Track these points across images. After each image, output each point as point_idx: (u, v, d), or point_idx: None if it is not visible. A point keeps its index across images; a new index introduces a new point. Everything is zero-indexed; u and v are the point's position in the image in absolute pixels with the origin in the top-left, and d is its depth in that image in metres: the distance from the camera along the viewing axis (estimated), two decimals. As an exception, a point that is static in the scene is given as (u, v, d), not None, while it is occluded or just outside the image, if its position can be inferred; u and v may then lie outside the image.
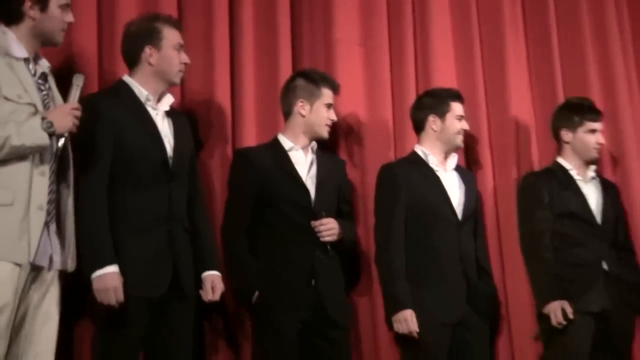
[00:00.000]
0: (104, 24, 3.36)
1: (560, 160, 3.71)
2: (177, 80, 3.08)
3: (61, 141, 2.60)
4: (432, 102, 3.58)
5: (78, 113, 2.62)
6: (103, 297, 2.77)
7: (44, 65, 2.75)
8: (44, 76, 2.73)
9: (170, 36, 3.02)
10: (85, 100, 2.75)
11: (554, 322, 3.41)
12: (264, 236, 3.26)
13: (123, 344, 2.84)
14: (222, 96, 3.53)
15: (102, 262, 2.77)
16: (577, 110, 3.72)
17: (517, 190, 3.74)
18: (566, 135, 3.71)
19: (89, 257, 2.78)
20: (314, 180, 3.32)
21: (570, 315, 3.40)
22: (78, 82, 2.67)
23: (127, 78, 3.04)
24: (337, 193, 3.39)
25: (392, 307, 3.33)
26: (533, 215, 3.60)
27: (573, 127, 3.70)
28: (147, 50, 2.99)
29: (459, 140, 3.57)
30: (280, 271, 3.18)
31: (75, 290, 2.85)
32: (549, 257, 3.52)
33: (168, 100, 3.06)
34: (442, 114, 3.55)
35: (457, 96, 3.62)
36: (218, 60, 3.53)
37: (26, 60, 2.67)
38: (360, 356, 3.54)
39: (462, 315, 3.35)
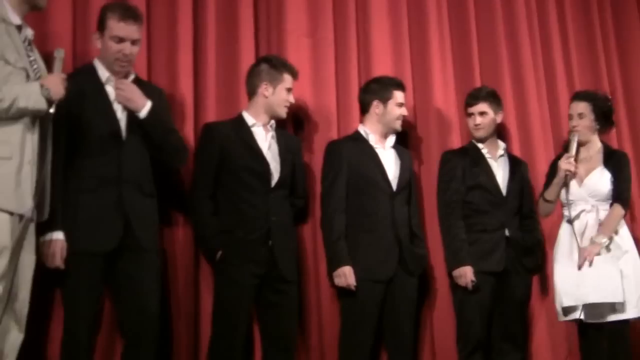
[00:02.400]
0: (78, 6, 3.50)
1: (474, 140, 4.07)
2: (117, 68, 3.16)
3: (52, 107, 2.74)
4: (378, 88, 3.84)
5: (66, 83, 2.78)
6: (46, 260, 2.96)
7: (30, 32, 2.87)
8: (29, 43, 2.85)
9: (111, 25, 3.13)
10: (69, 76, 2.89)
11: (462, 283, 3.80)
12: (226, 200, 3.45)
13: (79, 295, 3.02)
14: (185, 79, 3.70)
15: (49, 227, 2.94)
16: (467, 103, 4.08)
17: (438, 165, 4.06)
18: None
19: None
20: (272, 153, 3.54)
21: (472, 278, 3.77)
22: (60, 55, 2.84)
23: (95, 61, 3.22)
24: (292, 165, 3.61)
25: (333, 263, 3.61)
26: (448, 187, 3.94)
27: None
28: (97, 35, 3.18)
29: (398, 125, 3.85)
30: (240, 232, 3.38)
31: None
32: (460, 224, 3.85)
33: (129, 78, 3.21)
34: (385, 100, 3.81)
35: (400, 85, 3.88)
36: (182, 45, 3.70)
37: (18, 26, 2.80)
38: (307, 307, 3.78)
39: (393, 274, 3.64)
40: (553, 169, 3.92)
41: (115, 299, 3.22)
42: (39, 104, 2.71)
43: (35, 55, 2.90)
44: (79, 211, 3.02)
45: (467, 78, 4.40)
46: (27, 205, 2.71)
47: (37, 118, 2.78)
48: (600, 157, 3.85)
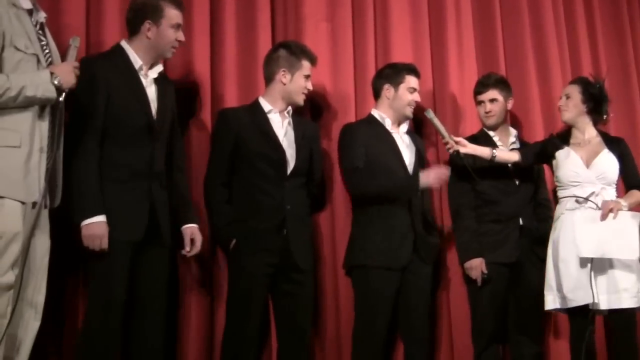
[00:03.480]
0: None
1: (485, 128, 4.00)
2: (169, 55, 3.23)
3: (62, 96, 2.72)
4: (390, 72, 3.78)
5: (78, 71, 2.76)
6: (89, 243, 2.95)
7: (42, 15, 2.85)
8: (41, 26, 2.83)
9: (171, 15, 3.16)
10: (83, 62, 2.90)
11: (473, 276, 3.79)
12: (241, 188, 3.42)
13: (110, 282, 3.00)
14: (202, 64, 3.67)
15: (92, 212, 2.95)
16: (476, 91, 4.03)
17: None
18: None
19: (79, 206, 2.96)
20: (288, 140, 3.49)
21: (484, 270, 3.74)
22: (75, 43, 2.82)
23: (124, 44, 3.18)
24: (309, 153, 3.57)
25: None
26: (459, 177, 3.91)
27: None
28: (147, 24, 3.14)
29: (409, 111, 3.76)
30: (254, 221, 3.35)
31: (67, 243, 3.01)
32: (470, 214, 3.84)
33: (157, 69, 3.21)
34: (396, 84, 3.74)
35: (413, 70, 3.80)
36: (198, 30, 3.66)
37: (29, 10, 2.78)
38: (323, 297, 3.76)
39: (408, 261, 3.58)
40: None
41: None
42: (48, 92, 2.69)
43: (48, 39, 2.88)
44: (108, 200, 3.00)
45: (491, 67, 4.34)
46: (35, 193, 2.70)
47: (47, 106, 2.76)
48: (599, 140, 3.75)
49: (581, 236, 3.52)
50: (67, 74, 2.72)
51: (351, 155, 3.64)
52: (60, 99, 2.73)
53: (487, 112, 3.97)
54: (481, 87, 4.01)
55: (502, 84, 4.03)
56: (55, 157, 2.80)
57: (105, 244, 2.96)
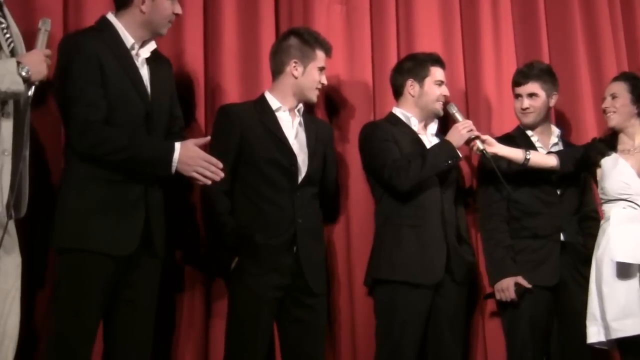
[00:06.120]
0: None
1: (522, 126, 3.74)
2: (164, 31, 2.99)
3: (32, 89, 2.56)
4: (412, 65, 3.55)
5: (49, 61, 2.60)
6: (192, 169, 2.75)
7: None
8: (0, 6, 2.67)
9: None
10: (69, 40, 2.82)
11: (504, 298, 3.50)
12: (245, 198, 3.21)
13: (83, 309, 2.76)
14: (194, 49, 3.45)
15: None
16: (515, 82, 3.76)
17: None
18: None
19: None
20: (299, 143, 3.29)
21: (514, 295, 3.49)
22: (46, 26, 2.64)
23: (112, 18, 2.92)
24: (322, 158, 3.35)
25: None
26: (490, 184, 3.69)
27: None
28: None
29: (438, 106, 3.54)
30: (261, 235, 3.14)
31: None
32: (503, 228, 3.58)
33: (150, 47, 2.97)
34: (421, 78, 3.52)
35: (438, 61, 3.57)
36: (189, 9, 3.40)
37: None
38: (338, 324, 3.55)
39: (440, 280, 3.37)
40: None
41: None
42: (15, 85, 2.52)
43: (9, 21, 2.69)
44: (99, 205, 2.79)
45: (533, 56, 3.99)
46: (1, 203, 2.55)
47: (9, 102, 2.59)
48: None
49: (616, 237, 3.31)
50: (37, 63, 2.57)
51: (384, 149, 3.45)
52: (30, 93, 2.58)
53: (523, 109, 3.67)
54: (520, 77, 3.70)
55: (547, 75, 3.72)
56: (20, 161, 2.62)
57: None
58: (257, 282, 3.11)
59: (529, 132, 3.70)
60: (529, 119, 3.66)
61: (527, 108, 3.64)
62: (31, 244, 2.86)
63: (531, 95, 3.65)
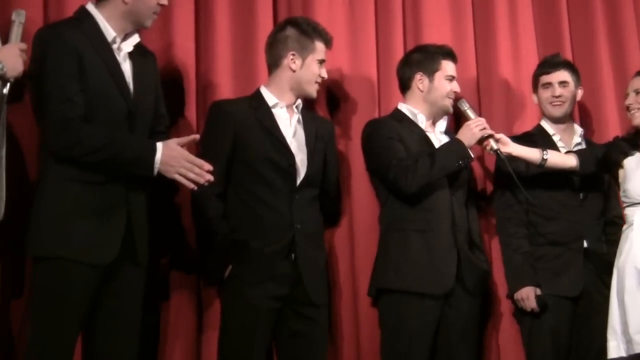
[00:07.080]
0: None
1: (544, 123, 3.64)
2: (149, 23, 2.89)
3: (7, 86, 2.53)
4: (421, 58, 3.45)
5: (25, 56, 2.55)
6: (175, 170, 2.66)
7: None
8: None
9: None
10: (45, 31, 2.73)
11: (526, 308, 3.42)
12: (239, 201, 3.14)
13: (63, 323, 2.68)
14: (184, 42, 3.36)
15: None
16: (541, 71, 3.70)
17: None
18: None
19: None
20: (298, 142, 3.22)
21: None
22: (20, 18, 2.60)
23: (92, 9, 2.81)
24: (322, 157, 3.28)
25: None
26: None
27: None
28: None
29: (448, 103, 3.45)
30: (256, 242, 3.07)
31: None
32: (521, 233, 3.50)
33: (133, 41, 2.86)
34: (431, 72, 3.43)
35: (449, 54, 3.48)
36: (178, 3, 3.32)
37: None
38: (340, 338, 3.48)
39: (451, 289, 3.28)
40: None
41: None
42: None
43: None
44: (77, 209, 2.70)
45: (553, 49, 3.88)
46: None
47: None
48: None
49: None
50: (12, 58, 2.54)
51: (389, 147, 3.35)
52: (5, 90, 2.55)
53: (556, 97, 3.55)
54: (548, 67, 3.60)
55: (573, 67, 3.67)
56: None
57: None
58: (252, 292, 3.03)
59: (551, 131, 3.59)
60: (559, 111, 3.56)
61: (560, 96, 3.55)
62: (9, 249, 2.79)
63: (562, 83, 3.58)
